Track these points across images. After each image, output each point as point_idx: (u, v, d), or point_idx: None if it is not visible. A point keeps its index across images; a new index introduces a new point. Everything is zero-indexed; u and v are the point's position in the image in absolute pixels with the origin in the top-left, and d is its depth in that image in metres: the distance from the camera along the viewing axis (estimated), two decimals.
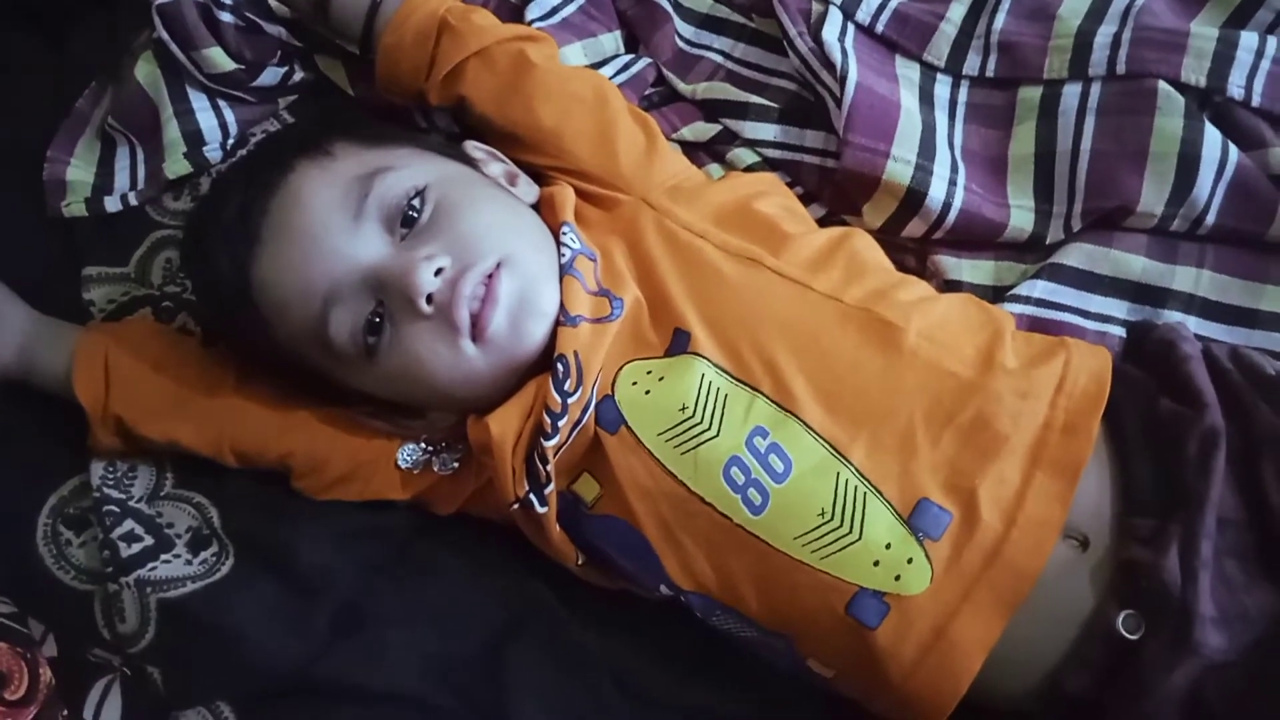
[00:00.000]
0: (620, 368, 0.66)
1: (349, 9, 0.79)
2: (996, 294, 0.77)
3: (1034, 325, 0.74)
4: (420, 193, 0.66)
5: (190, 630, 0.70)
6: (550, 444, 0.63)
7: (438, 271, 0.63)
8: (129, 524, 0.73)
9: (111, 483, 0.74)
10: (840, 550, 0.60)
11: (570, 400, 0.64)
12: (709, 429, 0.63)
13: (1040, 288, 0.76)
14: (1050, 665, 0.61)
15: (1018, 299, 0.76)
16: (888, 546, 0.60)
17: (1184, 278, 0.76)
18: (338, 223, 0.65)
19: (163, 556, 0.72)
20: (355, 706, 0.69)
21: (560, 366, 0.64)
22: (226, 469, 0.75)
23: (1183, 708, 0.58)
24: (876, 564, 0.60)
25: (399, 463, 0.72)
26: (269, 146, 0.81)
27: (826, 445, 0.62)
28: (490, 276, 0.64)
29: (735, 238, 0.69)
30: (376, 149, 0.69)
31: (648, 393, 0.64)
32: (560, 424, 0.63)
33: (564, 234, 0.69)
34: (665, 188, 0.72)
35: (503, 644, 0.71)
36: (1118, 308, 0.76)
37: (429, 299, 0.63)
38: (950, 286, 0.78)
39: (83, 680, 0.71)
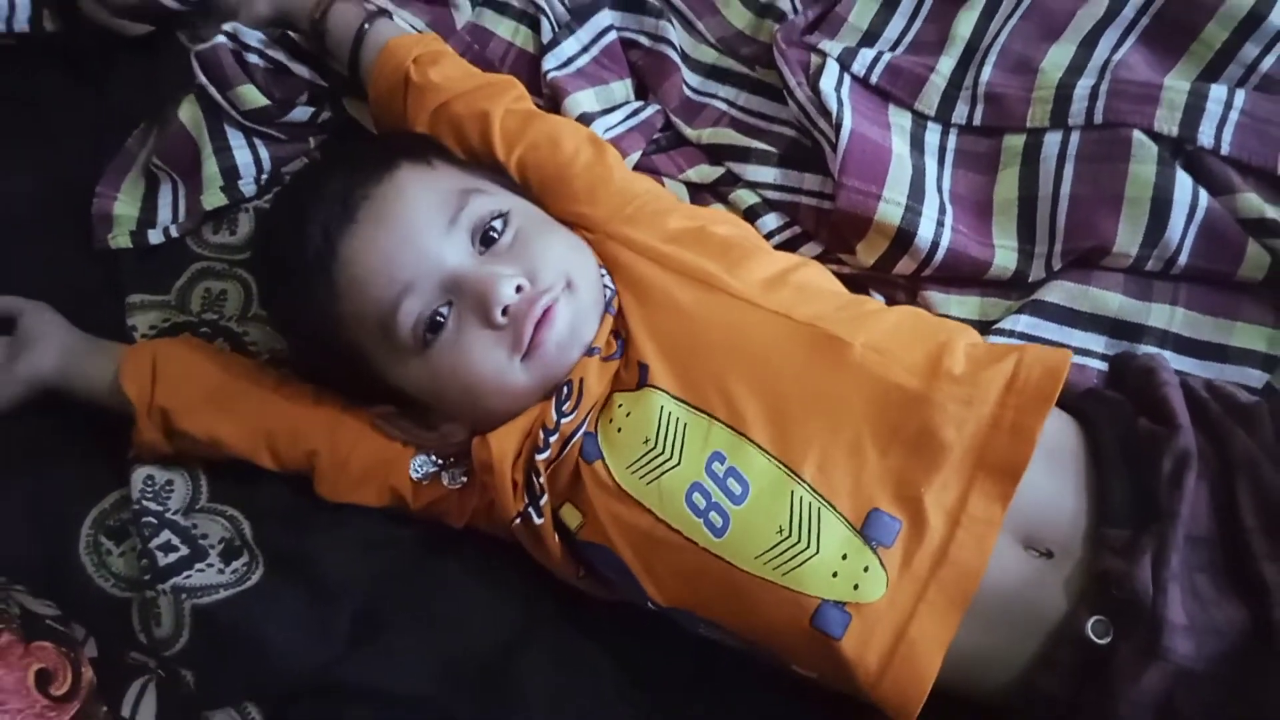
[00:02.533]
0: (608, 401, 0.71)
1: (338, 43, 0.87)
2: (982, 329, 0.82)
3: None
4: (503, 216, 0.72)
5: (221, 635, 0.74)
6: (541, 458, 0.69)
7: (518, 289, 0.69)
8: (166, 534, 0.78)
9: (150, 495, 0.79)
10: (800, 565, 0.64)
11: (564, 420, 0.69)
12: (671, 458, 0.67)
13: (1023, 322, 0.81)
14: (1023, 666, 0.64)
15: (1001, 333, 0.80)
16: (844, 557, 0.63)
17: (1158, 314, 0.81)
18: (433, 224, 0.71)
19: (197, 565, 0.77)
20: (373, 707, 0.73)
21: (565, 389, 0.70)
22: (257, 484, 0.80)
23: (1154, 715, 0.61)
24: (835, 575, 0.63)
25: (411, 474, 0.77)
26: (374, 144, 0.87)
27: (780, 465, 0.66)
28: (551, 305, 0.70)
29: (691, 255, 0.73)
30: (468, 173, 0.77)
31: (619, 430, 0.69)
32: (552, 440, 0.69)
33: (603, 274, 0.75)
34: (623, 215, 0.77)
35: (512, 651, 0.75)
36: (1096, 342, 0.81)
37: (504, 311, 0.69)
38: None
39: (121, 680, 0.74)
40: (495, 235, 0.72)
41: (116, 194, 0.91)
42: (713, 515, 0.65)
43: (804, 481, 0.65)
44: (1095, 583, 0.63)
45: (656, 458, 0.67)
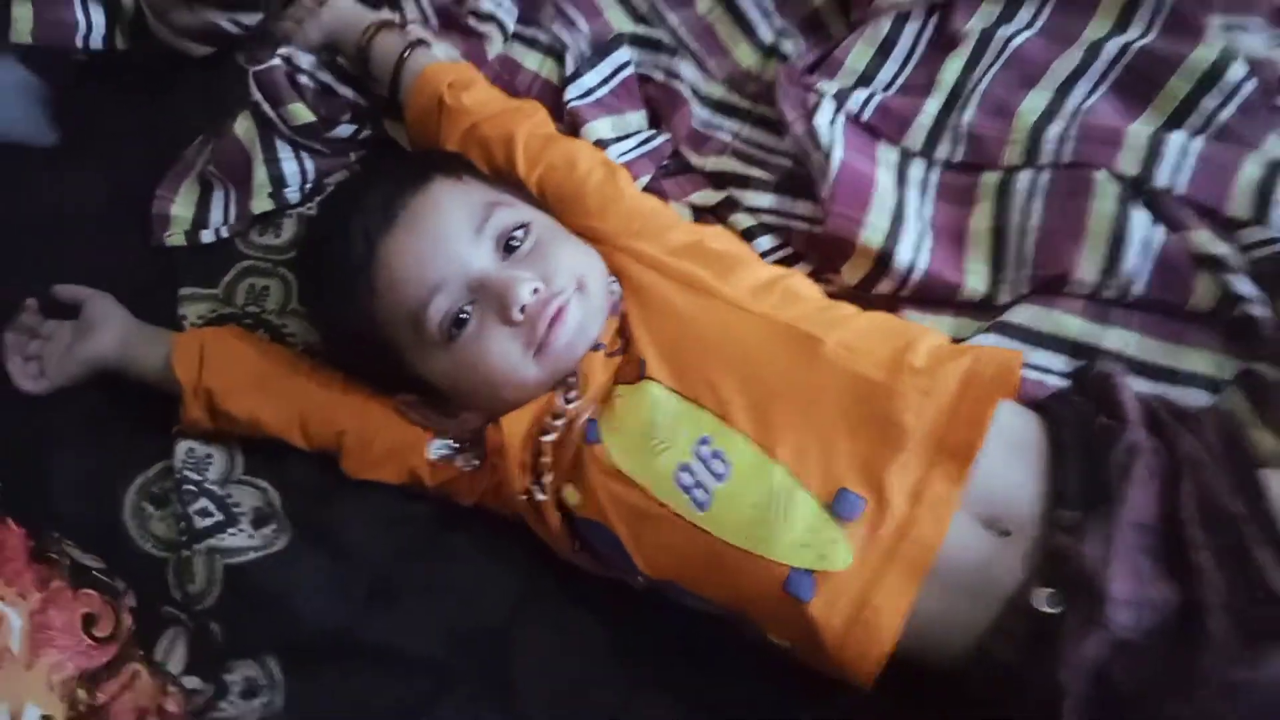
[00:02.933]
0: (611, 393, 0.79)
1: (380, 68, 0.96)
2: None
3: None
4: (524, 226, 0.81)
5: (249, 592, 0.83)
6: (548, 440, 0.77)
7: (535, 291, 0.77)
8: (203, 501, 0.86)
9: (191, 466, 0.88)
10: (774, 536, 0.71)
11: (570, 407, 0.77)
12: (662, 442, 0.74)
13: (990, 341, 0.87)
14: (979, 634, 0.70)
15: None
16: (813, 530, 0.70)
17: (1114, 338, 0.88)
18: (463, 232, 0.80)
19: (230, 530, 0.85)
20: (385, 665, 0.81)
21: (572, 379, 0.78)
22: (288, 460, 0.88)
23: (1092, 681, 0.67)
24: (805, 545, 0.70)
25: (429, 455, 0.84)
26: (410, 159, 0.96)
27: (759, 448, 0.73)
28: (563, 305, 0.78)
29: (689, 265, 0.82)
30: (493, 188, 0.85)
31: (619, 417, 0.77)
32: (558, 424, 0.77)
33: (611, 280, 0.83)
34: (631, 230, 0.85)
35: (513, 620, 0.83)
36: (1056, 361, 0.87)
37: (522, 309, 0.77)
38: None
39: (156, 629, 0.83)
40: (516, 243, 0.80)
41: (174, 197, 1.00)
42: (698, 492, 0.73)
43: (780, 462, 0.72)
44: (1048, 559, 0.70)
45: (650, 441, 0.75)
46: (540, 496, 0.78)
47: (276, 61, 0.96)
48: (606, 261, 0.84)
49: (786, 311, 0.79)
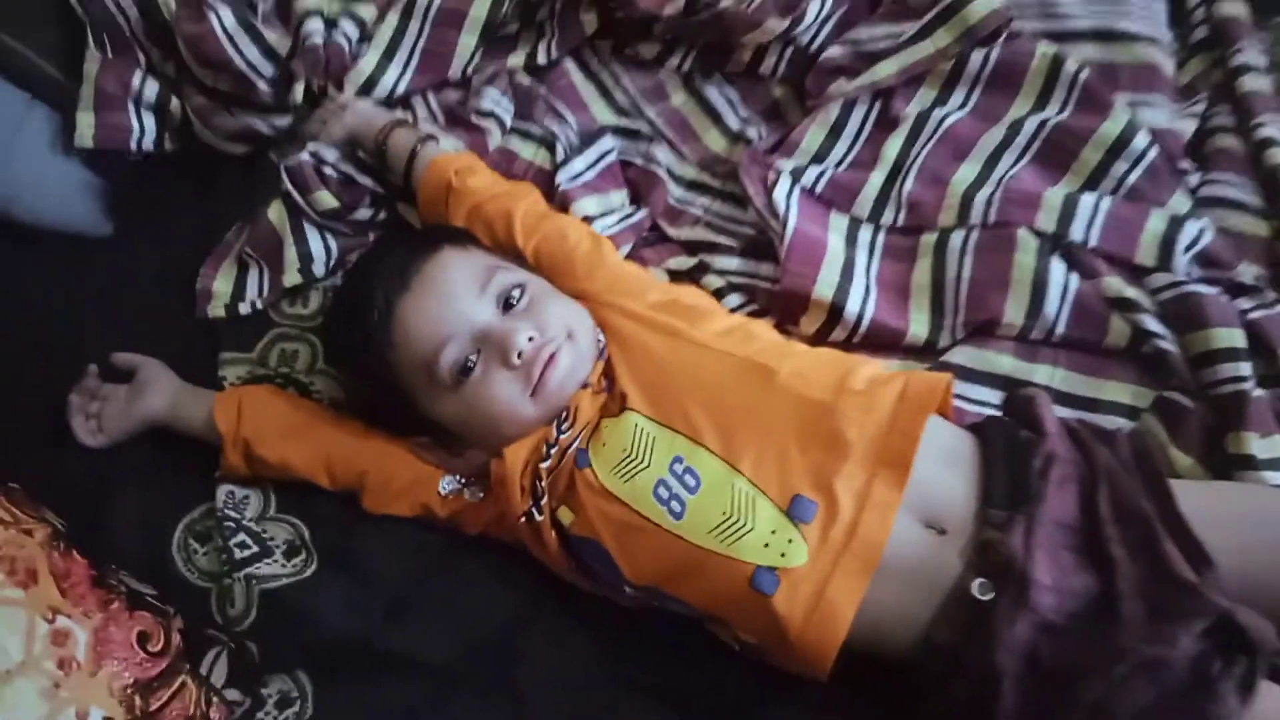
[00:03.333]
0: (598, 424, 0.90)
1: (395, 160, 1.10)
2: None
3: None
4: (521, 286, 0.93)
5: (282, 613, 0.93)
6: (544, 466, 0.88)
7: (530, 339, 0.89)
8: (241, 536, 0.97)
9: (231, 506, 1.00)
10: (739, 539, 0.81)
11: (563, 437, 0.89)
12: (642, 462, 0.85)
13: None
14: (923, 623, 0.80)
15: None
16: (773, 532, 0.81)
17: (1042, 373, 1.00)
18: (468, 291, 0.92)
19: (265, 560, 0.96)
20: (401, 673, 0.91)
21: (565, 414, 0.90)
22: (315, 499, 0.99)
23: (1024, 661, 0.76)
24: (767, 545, 0.81)
25: (439, 490, 0.96)
26: (423, 233, 1.10)
27: (725, 463, 0.84)
28: (555, 351, 0.90)
29: (664, 317, 0.94)
30: (494, 255, 0.98)
31: (604, 444, 0.88)
32: (553, 451, 0.88)
33: (598, 331, 0.95)
34: (614, 290, 0.98)
35: (515, 631, 0.93)
36: (991, 395, 0.99)
37: (520, 355, 0.89)
38: None
39: (200, 649, 0.93)
40: (514, 301, 0.93)
41: (216, 274, 1.13)
42: (673, 503, 0.83)
43: (743, 475, 0.83)
44: (980, 552, 0.80)
45: (631, 463, 0.86)
46: (538, 517, 0.89)
47: (305, 156, 1.10)
48: (593, 316, 0.96)
49: (746, 348, 0.91)
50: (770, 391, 0.86)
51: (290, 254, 1.10)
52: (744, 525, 0.82)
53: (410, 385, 0.94)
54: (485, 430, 0.93)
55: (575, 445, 0.89)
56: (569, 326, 0.93)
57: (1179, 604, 0.77)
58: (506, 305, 0.93)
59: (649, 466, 0.85)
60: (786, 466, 0.83)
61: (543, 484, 0.89)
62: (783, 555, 0.81)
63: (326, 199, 1.10)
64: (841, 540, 0.81)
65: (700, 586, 0.84)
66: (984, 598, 0.78)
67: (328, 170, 1.12)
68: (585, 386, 0.92)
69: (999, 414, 0.97)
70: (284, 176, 1.11)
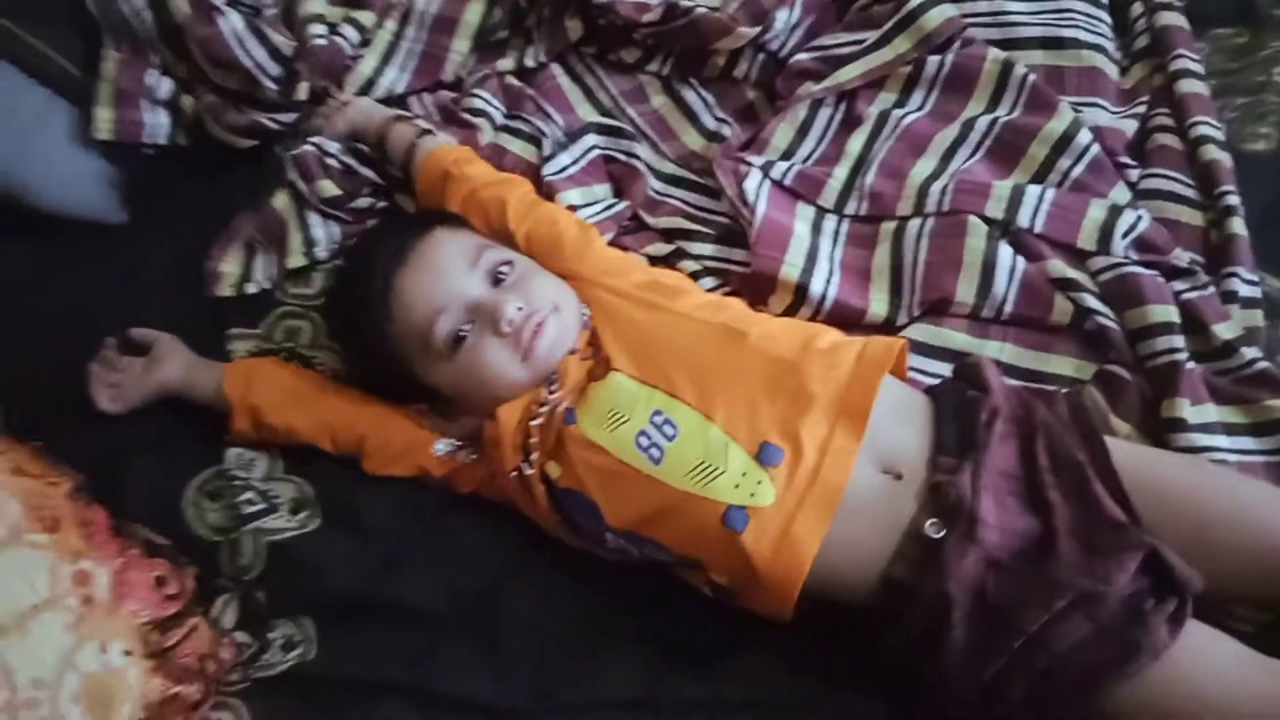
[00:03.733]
0: (585, 386, 0.98)
1: (396, 152, 1.19)
2: None
3: None
4: (509, 263, 1.01)
5: (288, 564, 1.00)
6: (535, 424, 0.96)
7: (519, 309, 0.97)
8: (249, 494, 1.04)
9: (240, 467, 1.07)
10: (713, 480, 0.88)
11: (552, 397, 0.96)
12: (625, 416, 0.93)
13: None
14: (882, 561, 0.87)
15: None
16: (744, 474, 0.88)
17: (992, 348, 1.08)
18: (460, 267, 1.00)
19: (272, 516, 1.03)
20: (397, 620, 0.98)
21: (553, 377, 0.97)
22: (318, 462, 1.06)
23: (971, 595, 0.83)
24: (737, 486, 0.88)
25: (435, 451, 1.03)
26: (418, 215, 1.18)
27: (700, 414, 0.91)
28: (542, 320, 0.98)
29: (646, 294, 1.02)
30: (483, 236, 1.06)
31: (591, 402, 0.95)
32: (543, 410, 0.96)
33: (582, 306, 1.03)
34: (600, 270, 1.05)
35: (501, 582, 1.00)
36: (944, 369, 1.06)
37: (509, 323, 0.96)
38: None
39: (211, 595, 1.00)
40: (503, 276, 1.01)
41: (224, 257, 1.20)
42: (653, 450, 0.91)
43: (716, 424, 0.91)
44: (931, 494, 0.88)
45: (616, 416, 0.93)
46: (528, 471, 0.96)
47: (309, 147, 1.19)
48: (582, 294, 1.04)
49: (720, 316, 0.99)
50: (742, 351, 0.94)
51: (295, 238, 1.18)
52: (717, 469, 0.89)
53: (407, 355, 1.01)
54: (479, 394, 1.00)
55: (564, 405, 0.96)
56: (554, 300, 1.00)
57: (1111, 540, 0.85)
58: (496, 280, 1.01)
59: (631, 419, 0.93)
60: (756, 416, 0.91)
61: (533, 440, 0.96)
62: (752, 495, 0.88)
63: (329, 187, 1.18)
64: (806, 482, 0.88)
65: (677, 527, 0.90)
66: (936, 535, 0.86)
67: (330, 161, 1.19)
68: (573, 353, 0.99)
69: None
70: (290, 166, 1.19)
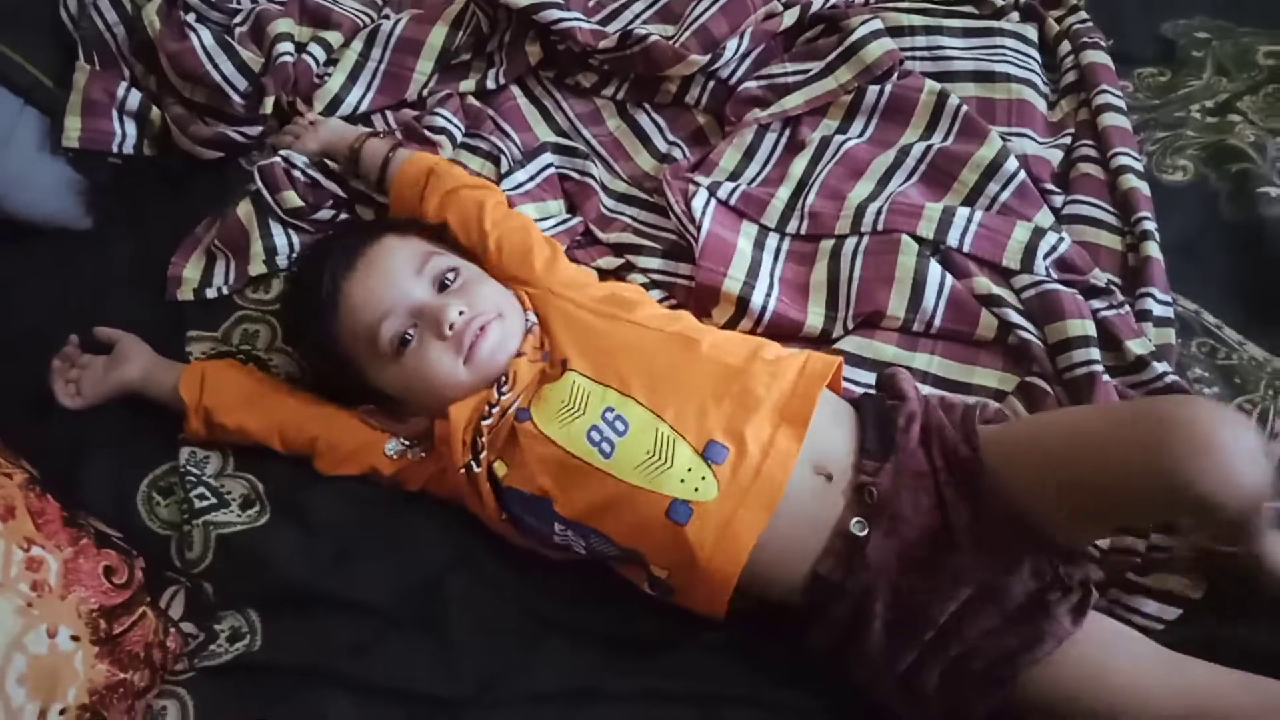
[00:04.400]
0: (539, 387, 1.02)
1: (369, 164, 1.23)
2: None
3: None
4: (454, 269, 1.05)
5: (236, 557, 1.03)
6: (486, 423, 0.99)
7: (460, 314, 1.01)
8: (201, 489, 1.07)
9: (193, 463, 1.09)
10: (659, 475, 0.92)
11: (503, 398, 1.00)
12: (578, 411, 0.97)
13: None
14: (811, 557, 0.91)
15: None
16: (689, 470, 0.92)
17: (921, 360, 1.13)
18: (406, 272, 1.04)
19: (222, 510, 1.06)
20: (344, 612, 1.00)
21: (504, 377, 1.01)
22: (269, 461, 1.09)
23: (890, 588, 0.89)
24: (682, 481, 0.92)
25: (385, 451, 1.06)
26: (368, 224, 1.22)
27: (650, 412, 0.95)
28: (485, 324, 1.02)
29: (605, 306, 1.06)
30: (432, 243, 1.09)
31: (545, 400, 0.99)
32: (494, 410, 1.00)
33: (527, 314, 1.07)
34: (562, 281, 1.10)
35: (445, 575, 1.02)
36: (873, 379, 1.11)
37: (451, 327, 1.00)
38: None
39: (160, 587, 1.03)
40: (449, 282, 1.05)
41: (185, 263, 1.24)
42: (604, 445, 0.94)
43: (665, 422, 0.95)
44: (856, 494, 0.93)
45: (569, 411, 0.97)
46: (476, 469, 0.99)
47: (276, 159, 1.23)
48: (545, 303, 1.08)
49: (673, 326, 1.04)
50: (693, 357, 0.99)
51: (256, 246, 1.22)
52: (664, 463, 0.93)
53: (356, 356, 1.05)
54: (424, 395, 1.04)
55: (515, 405, 1.00)
56: (498, 305, 1.05)
57: (1001, 534, 0.90)
58: (442, 285, 1.05)
59: (584, 415, 0.97)
60: (704, 416, 0.95)
61: (483, 439, 0.99)
62: (696, 490, 0.92)
63: (293, 199, 1.23)
64: (748, 480, 0.92)
65: (624, 518, 0.94)
66: (860, 534, 0.91)
67: (296, 174, 1.24)
68: (520, 355, 1.03)
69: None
70: (256, 175, 1.23)
